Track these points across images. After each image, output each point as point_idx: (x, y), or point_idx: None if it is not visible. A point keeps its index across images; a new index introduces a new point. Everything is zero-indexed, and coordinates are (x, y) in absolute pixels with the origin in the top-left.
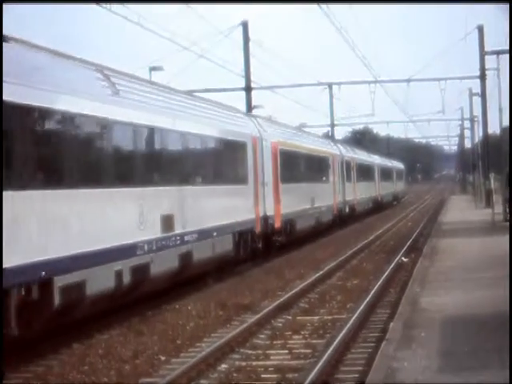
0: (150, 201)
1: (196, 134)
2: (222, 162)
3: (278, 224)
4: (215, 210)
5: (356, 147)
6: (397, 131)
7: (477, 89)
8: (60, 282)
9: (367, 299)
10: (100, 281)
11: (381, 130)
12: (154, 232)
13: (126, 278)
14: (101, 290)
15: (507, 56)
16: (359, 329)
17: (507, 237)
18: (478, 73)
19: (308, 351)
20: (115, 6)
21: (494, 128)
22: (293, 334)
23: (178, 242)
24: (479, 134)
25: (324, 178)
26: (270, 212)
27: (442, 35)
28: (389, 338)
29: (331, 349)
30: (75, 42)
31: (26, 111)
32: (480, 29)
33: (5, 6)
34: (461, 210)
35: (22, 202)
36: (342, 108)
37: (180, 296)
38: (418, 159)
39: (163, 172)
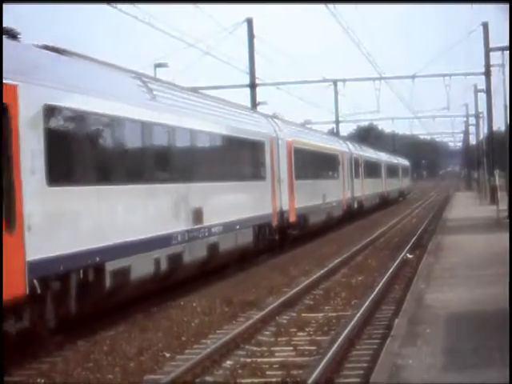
0: (183, 196)
1: (222, 134)
2: (244, 161)
3: (292, 218)
4: (238, 204)
5: (363, 144)
6: (402, 128)
7: (482, 85)
8: (110, 266)
9: (372, 296)
10: (142, 267)
11: (386, 127)
12: (186, 224)
13: (163, 265)
14: (142, 275)
15: None
16: (364, 325)
17: None
18: (483, 69)
19: (313, 348)
20: (123, 5)
21: (499, 124)
22: (297, 331)
23: (207, 233)
24: (484, 130)
25: (334, 175)
26: (286, 207)
27: (447, 32)
28: (394, 334)
29: (336, 345)
30: (78, 39)
31: (82, 116)
32: (485, 25)
33: (5, 6)
34: (465, 206)
35: (81, 197)
36: (347, 105)
37: (185, 292)
38: (423, 156)
39: (194, 169)
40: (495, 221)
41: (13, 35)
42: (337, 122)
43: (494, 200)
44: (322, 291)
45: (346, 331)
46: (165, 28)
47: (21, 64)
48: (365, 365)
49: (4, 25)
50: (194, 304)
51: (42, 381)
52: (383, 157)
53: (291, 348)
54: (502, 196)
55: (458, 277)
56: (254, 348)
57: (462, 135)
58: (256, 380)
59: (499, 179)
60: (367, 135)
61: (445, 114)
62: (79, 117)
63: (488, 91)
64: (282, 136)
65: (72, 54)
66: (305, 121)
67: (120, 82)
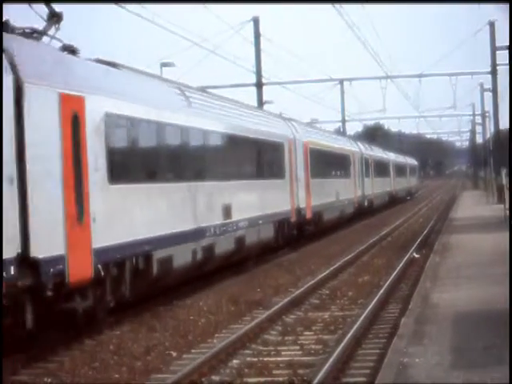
0: (215, 193)
1: (248, 137)
2: (266, 161)
3: (308, 215)
4: (261, 201)
5: (373, 144)
6: (408, 127)
7: (488, 84)
8: (157, 255)
9: (378, 295)
10: (182, 256)
11: (392, 126)
12: (218, 219)
13: (199, 256)
14: (182, 263)
15: None
16: (370, 324)
17: None
18: (489, 68)
19: (319, 347)
20: (130, 5)
21: (506, 123)
22: (304, 330)
23: (234, 227)
24: (491, 129)
25: (346, 174)
26: (302, 204)
27: (454, 31)
28: (400, 333)
29: (342, 345)
30: (80, 38)
31: (133, 122)
32: (491, 24)
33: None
34: (472, 205)
35: (134, 193)
36: (354, 104)
37: (191, 292)
38: (430, 155)
39: (224, 169)
40: (502, 220)
41: (72, 51)
42: (343, 121)
43: (500, 199)
44: (329, 290)
45: (352, 330)
46: (171, 27)
47: (84, 78)
48: (371, 364)
49: (59, 39)
50: (201, 303)
51: (49, 380)
52: (392, 156)
53: (298, 347)
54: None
55: (465, 276)
56: (261, 347)
57: (468, 134)
58: (262, 379)
59: (506, 178)
60: (374, 134)
61: (451, 113)
62: (132, 123)
63: (494, 90)
64: (299, 137)
65: (121, 66)
66: (311, 120)
67: (162, 91)
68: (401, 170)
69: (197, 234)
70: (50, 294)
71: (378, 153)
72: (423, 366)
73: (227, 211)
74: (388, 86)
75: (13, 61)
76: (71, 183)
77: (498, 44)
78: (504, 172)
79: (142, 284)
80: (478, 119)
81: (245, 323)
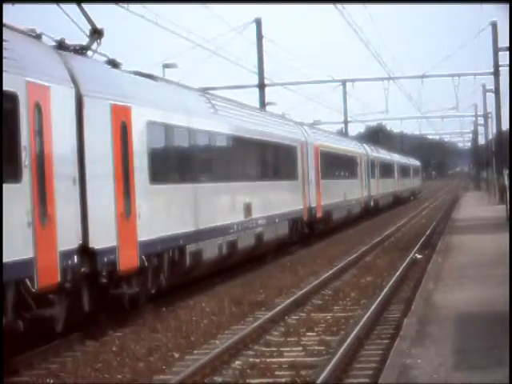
0: (238, 193)
1: (266, 141)
2: (282, 163)
3: (319, 214)
4: (277, 200)
5: (379, 147)
6: (410, 128)
7: (491, 85)
8: (189, 248)
9: (381, 296)
10: (210, 250)
11: (394, 127)
12: (240, 217)
13: (224, 250)
14: (210, 256)
15: None
16: (373, 325)
17: None
18: (491, 69)
19: (322, 348)
20: (131, 5)
21: (508, 124)
22: (306, 331)
23: (254, 224)
24: (493, 130)
25: (353, 175)
26: (313, 204)
27: (456, 32)
28: (403, 334)
29: (345, 345)
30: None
31: (169, 129)
32: (494, 25)
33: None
34: (474, 206)
35: (170, 193)
36: (356, 105)
37: (194, 293)
38: (432, 156)
39: (245, 170)
40: (504, 221)
41: (115, 64)
42: (346, 122)
43: (502, 200)
44: (331, 291)
45: (355, 331)
46: (173, 28)
47: (130, 90)
48: (374, 365)
49: (103, 54)
50: (203, 304)
51: (52, 381)
52: (396, 158)
53: (300, 348)
54: None
55: (467, 277)
56: (263, 348)
57: (470, 135)
58: (265, 380)
59: (508, 179)
60: (376, 135)
61: (453, 114)
62: (168, 129)
63: (497, 91)
64: (310, 140)
65: (157, 78)
66: (314, 121)
67: (191, 100)
68: (405, 171)
69: (222, 230)
70: (103, 280)
71: (383, 154)
72: (425, 367)
73: (248, 210)
74: (390, 87)
75: (73, 76)
76: (121, 183)
77: (500, 45)
78: (506, 173)
79: (176, 274)
80: (481, 120)
81: (247, 324)
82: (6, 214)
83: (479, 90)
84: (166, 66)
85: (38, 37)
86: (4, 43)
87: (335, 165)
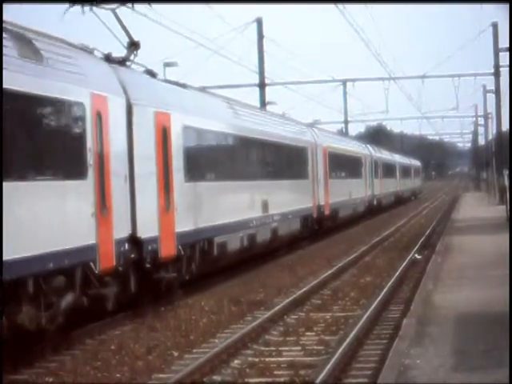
0: (257, 190)
1: (281, 143)
2: (294, 163)
3: (327, 212)
4: (290, 198)
5: (379, 147)
6: (410, 128)
7: (491, 86)
8: (217, 240)
9: (380, 296)
10: (233, 242)
11: (395, 127)
12: (258, 212)
13: (245, 242)
14: (233, 248)
15: None
16: (372, 325)
17: None
18: (492, 70)
19: (321, 348)
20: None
21: (508, 125)
22: (306, 331)
23: (270, 220)
24: (493, 130)
25: (358, 175)
26: (322, 202)
27: (457, 32)
28: (402, 334)
29: (344, 345)
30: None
31: (200, 132)
32: (494, 26)
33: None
34: (474, 206)
35: (201, 190)
36: (356, 105)
37: (193, 292)
38: (432, 156)
39: (263, 170)
40: (504, 221)
41: (153, 74)
42: (346, 122)
43: (503, 200)
44: (331, 291)
45: (354, 331)
46: (176, 27)
47: (168, 97)
48: (373, 365)
49: (141, 64)
50: (203, 303)
51: (51, 379)
52: (398, 158)
53: (299, 348)
54: None
55: (467, 277)
56: (262, 347)
57: (470, 136)
58: (264, 379)
59: (508, 179)
60: (376, 135)
61: (454, 115)
62: (198, 133)
63: (497, 92)
64: (319, 142)
65: (187, 86)
66: (314, 121)
67: (217, 105)
68: (406, 171)
69: (244, 224)
70: (148, 266)
71: (385, 155)
72: (424, 368)
73: (265, 206)
74: (391, 87)
75: (124, 87)
76: (162, 181)
77: (500, 45)
78: (506, 173)
79: (206, 263)
80: (481, 121)
81: (246, 323)
82: (76, 206)
83: (479, 91)
84: (166, 64)
85: (91, 51)
86: (70, 59)
87: (342, 165)
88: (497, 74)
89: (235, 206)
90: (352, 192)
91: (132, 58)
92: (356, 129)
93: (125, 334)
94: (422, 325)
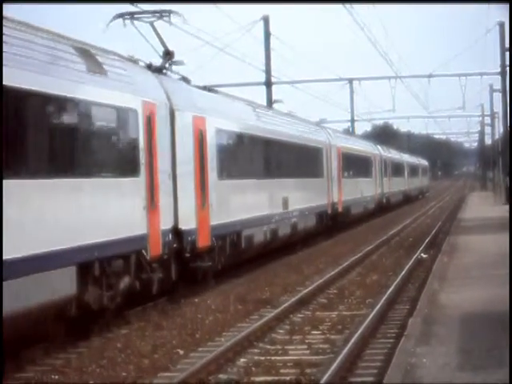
0: (278, 188)
1: (300, 144)
2: (311, 162)
3: (340, 209)
4: (307, 195)
5: (390, 147)
6: (417, 127)
7: (498, 85)
8: (245, 233)
9: (386, 295)
10: (258, 235)
11: (401, 126)
12: (279, 208)
13: (268, 236)
14: (258, 241)
15: None
16: (378, 324)
17: None
18: (499, 69)
19: (327, 346)
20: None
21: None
22: (312, 329)
23: (290, 216)
24: (500, 130)
25: (369, 174)
26: (336, 199)
27: (464, 32)
28: (408, 333)
29: (350, 344)
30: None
31: (229, 135)
32: (501, 25)
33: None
34: (480, 206)
35: (231, 187)
36: (363, 103)
37: (199, 290)
38: (438, 155)
39: (283, 169)
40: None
41: (187, 81)
42: (352, 120)
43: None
44: (337, 290)
45: (360, 330)
46: (182, 25)
47: (203, 103)
48: (379, 364)
49: (177, 72)
50: (209, 302)
51: (56, 377)
52: (406, 158)
53: (305, 346)
54: None
55: (472, 277)
56: (268, 346)
57: (477, 135)
58: (270, 378)
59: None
60: (382, 134)
61: (460, 114)
62: (228, 135)
63: (504, 91)
64: (334, 143)
65: (217, 91)
66: (320, 119)
67: (242, 109)
68: (414, 170)
69: (268, 219)
70: (187, 255)
71: (394, 155)
72: (431, 367)
73: (286, 203)
74: (397, 86)
75: (167, 94)
76: (199, 178)
77: (507, 45)
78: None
79: (235, 254)
80: (487, 120)
81: (252, 322)
82: (132, 200)
83: (486, 90)
84: (173, 63)
85: (136, 62)
86: (124, 71)
87: (353, 164)
88: (503, 74)
89: (260, 202)
90: (363, 190)
91: (167, 65)
92: (362, 127)
93: (131, 332)
94: (427, 324)
